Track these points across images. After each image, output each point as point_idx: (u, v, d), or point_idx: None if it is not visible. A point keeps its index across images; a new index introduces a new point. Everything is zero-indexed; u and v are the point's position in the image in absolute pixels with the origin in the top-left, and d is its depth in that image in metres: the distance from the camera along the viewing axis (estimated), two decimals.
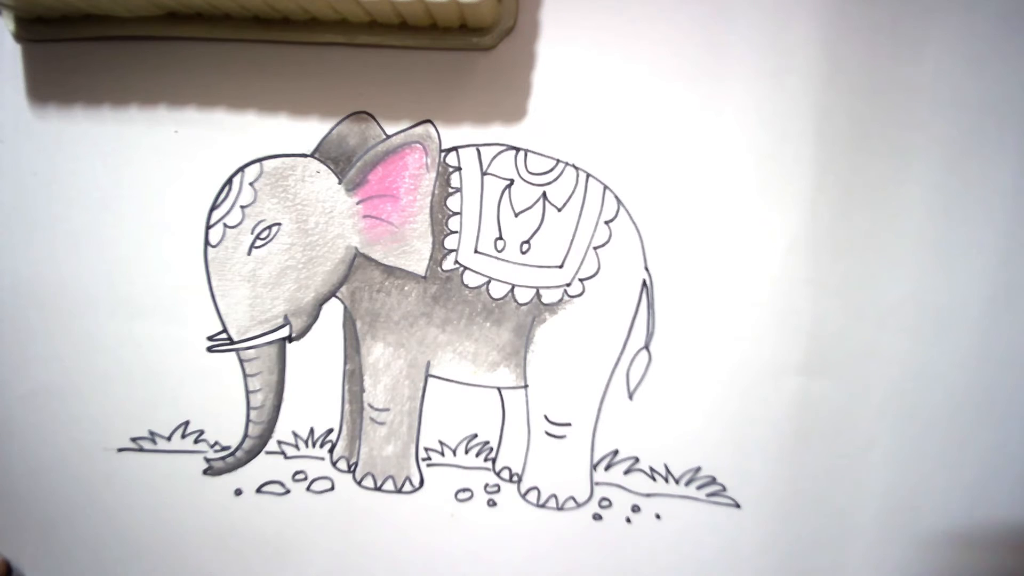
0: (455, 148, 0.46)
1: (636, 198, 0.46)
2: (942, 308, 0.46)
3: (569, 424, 0.47)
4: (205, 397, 0.47)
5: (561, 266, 0.46)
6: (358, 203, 0.46)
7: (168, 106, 0.46)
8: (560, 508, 0.48)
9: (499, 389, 0.47)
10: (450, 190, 0.46)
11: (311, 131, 0.46)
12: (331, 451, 0.48)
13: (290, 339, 0.47)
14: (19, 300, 0.47)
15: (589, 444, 0.47)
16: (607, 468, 0.47)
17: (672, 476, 0.47)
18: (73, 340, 0.47)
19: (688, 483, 0.47)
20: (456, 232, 0.46)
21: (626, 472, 0.47)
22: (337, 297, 0.47)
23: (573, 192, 0.46)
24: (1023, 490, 0.47)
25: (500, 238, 0.46)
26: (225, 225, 0.46)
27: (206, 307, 0.47)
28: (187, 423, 0.47)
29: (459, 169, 0.46)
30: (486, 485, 0.47)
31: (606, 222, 0.46)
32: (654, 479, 0.47)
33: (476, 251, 0.46)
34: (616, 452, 0.47)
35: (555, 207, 0.46)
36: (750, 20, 0.45)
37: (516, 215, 0.46)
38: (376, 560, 0.48)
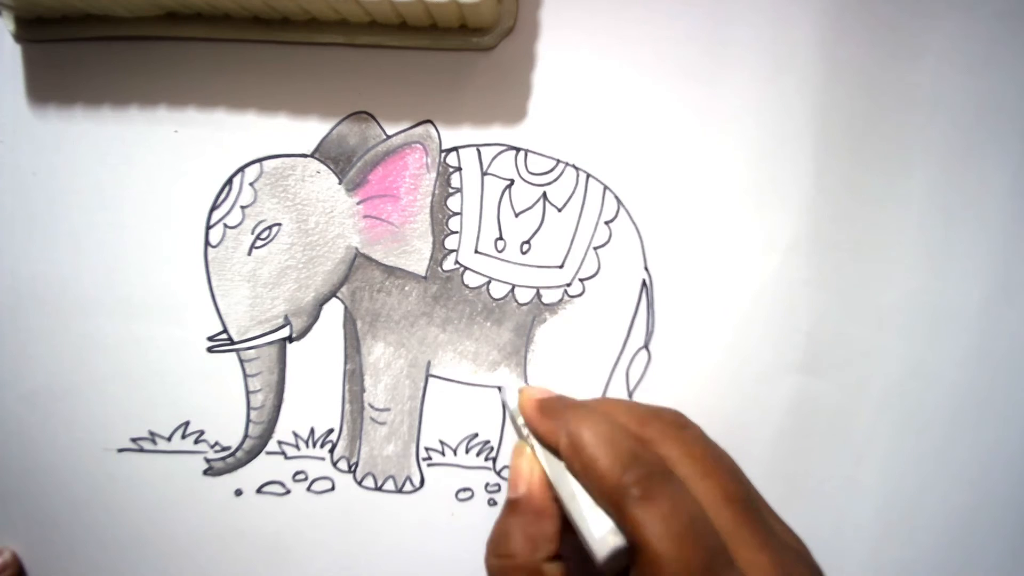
0: (455, 148, 0.46)
1: (636, 198, 0.46)
2: (941, 308, 0.46)
3: None
4: (205, 397, 0.47)
5: (561, 266, 0.46)
6: (358, 203, 0.46)
7: (168, 106, 0.46)
8: None
9: (499, 388, 0.47)
10: (450, 190, 0.46)
11: (311, 131, 0.46)
12: (331, 451, 0.48)
13: (290, 339, 0.47)
14: (19, 300, 0.47)
15: None
16: None
17: None
18: (73, 340, 0.47)
19: None
20: (456, 232, 0.46)
21: None
22: (337, 297, 0.47)
23: (573, 192, 0.46)
24: (1023, 490, 0.47)
25: (500, 238, 0.46)
26: (225, 225, 0.46)
27: (206, 307, 0.47)
28: (187, 423, 0.47)
29: (459, 169, 0.46)
30: (487, 484, 0.47)
31: (606, 222, 0.46)
32: None
33: (476, 251, 0.46)
34: None
35: (555, 207, 0.46)
36: (749, 21, 0.45)
37: (516, 215, 0.46)
38: (376, 560, 0.48)
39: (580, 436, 0.30)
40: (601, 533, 0.29)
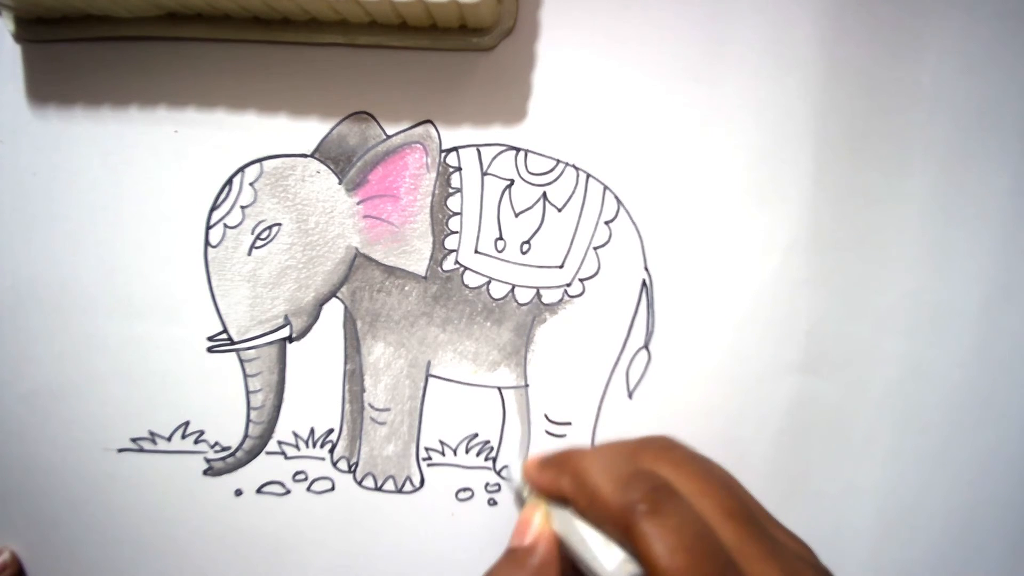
0: (455, 148, 0.46)
1: (636, 198, 0.46)
2: (940, 308, 0.46)
3: (569, 423, 0.47)
4: (205, 397, 0.47)
5: (561, 266, 0.46)
6: (358, 203, 0.46)
7: (168, 106, 0.46)
8: None
9: (499, 388, 0.47)
10: (450, 190, 0.46)
11: (311, 131, 0.46)
12: (331, 451, 0.48)
13: (290, 339, 0.47)
14: (19, 300, 0.47)
15: (589, 443, 0.47)
16: None
17: None
18: (73, 340, 0.47)
19: None
20: (456, 232, 0.46)
21: None
22: (337, 297, 0.47)
23: (573, 192, 0.46)
24: (1023, 490, 0.47)
25: (500, 238, 0.46)
26: (225, 225, 0.46)
27: (206, 307, 0.47)
28: (187, 423, 0.47)
29: (459, 169, 0.46)
30: (487, 484, 0.47)
31: (606, 222, 0.46)
32: None
33: (476, 251, 0.46)
34: None
35: (555, 207, 0.46)
36: (750, 21, 0.45)
37: (516, 215, 0.46)
38: (376, 560, 0.48)
39: (582, 470, 0.31)
40: (614, 566, 0.29)
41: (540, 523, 0.32)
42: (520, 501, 0.36)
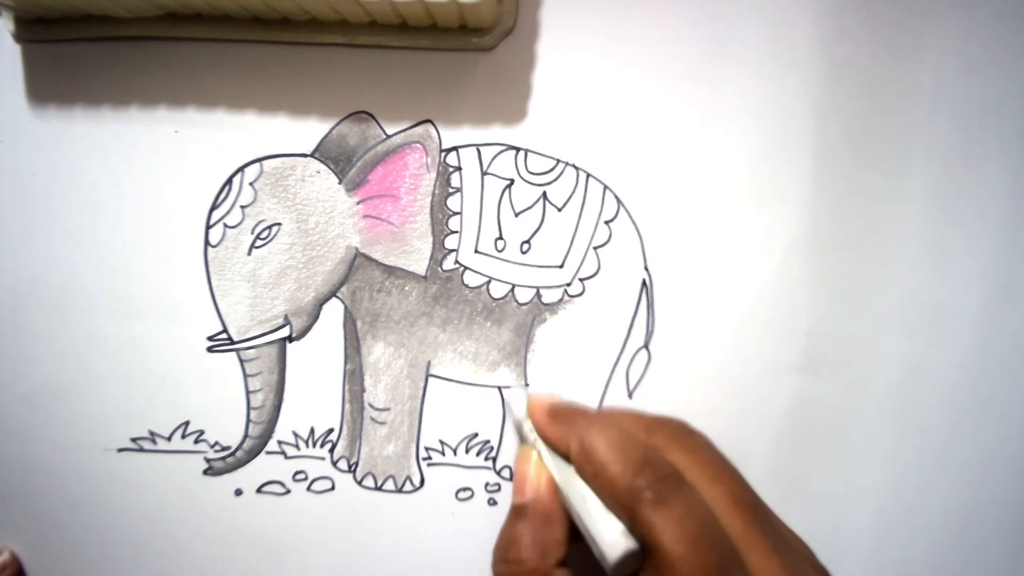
0: (455, 148, 0.46)
1: (636, 198, 0.46)
2: (940, 308, 0.46)
3: None
4: (205, 397, 0.47)
5: (561, 266, 0.46)
6: (358, 203, 0.46)
7: (168, 106, 0.46)
8: None
9: (499, 388, 0.47)
10: (450, 190, 0.46)
11: (311, 131, 0.46)
12: (331, 451, 0.48)
13: (290, 339, 0.47)
14: (19, 300, 0.47)
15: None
16: None
17: None
18: (73, 340, 0.47)
19: None
20: (456, 232, 0.46)
21: None
22: (337, 297, 0.47)
23: (573, 192, 0.46)
24: (1023, 490, 0.47)
25: (500, 238, 0.46)
26: (225, 225, 0.46)
27: (206, 307, 0.47)
28: (187, 423, 0.47)
29: (459, 169, 0.46)
30: (487, 484, 0.47)
31: (606, 222, 0.46)
32: None
33: (476, 251, 0.46)
34: None
35: (555, 207, 0.46)
36: (750, 21, 0.45)
37: (516, 215, 0.46)
38: (376, 560, 0.48)
39: (592, 441, 0.30)
40: (612, 536, 0.28)
41: (535, 475, 0.33)
42: (519, 434, 0.36)
